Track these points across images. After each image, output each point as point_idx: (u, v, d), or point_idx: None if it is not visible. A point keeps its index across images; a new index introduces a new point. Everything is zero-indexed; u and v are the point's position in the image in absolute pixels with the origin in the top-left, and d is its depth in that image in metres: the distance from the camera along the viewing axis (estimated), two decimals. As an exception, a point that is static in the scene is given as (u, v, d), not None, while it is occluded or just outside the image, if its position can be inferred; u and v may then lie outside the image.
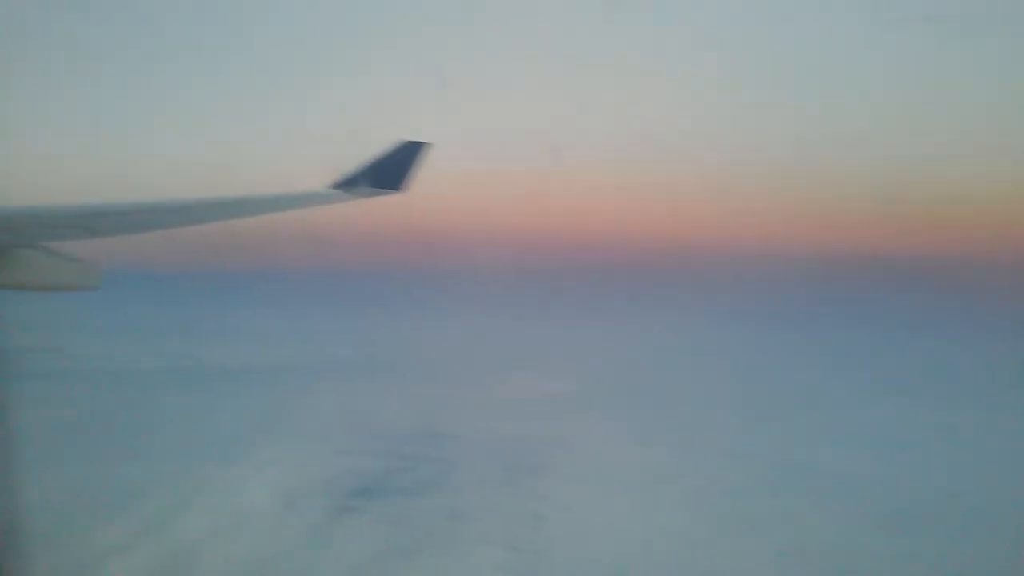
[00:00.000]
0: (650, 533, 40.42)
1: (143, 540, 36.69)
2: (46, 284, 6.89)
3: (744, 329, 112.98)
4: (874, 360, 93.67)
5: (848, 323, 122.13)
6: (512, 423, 60.15)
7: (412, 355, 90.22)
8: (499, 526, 41.13)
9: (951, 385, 77.43)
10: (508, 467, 49.89)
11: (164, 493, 42.24)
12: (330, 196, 11.52)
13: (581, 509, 43.69)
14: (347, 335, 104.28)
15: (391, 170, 12.29)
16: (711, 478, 48.51)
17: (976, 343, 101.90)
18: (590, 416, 63.84)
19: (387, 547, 37.89)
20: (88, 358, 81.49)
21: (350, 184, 11.92)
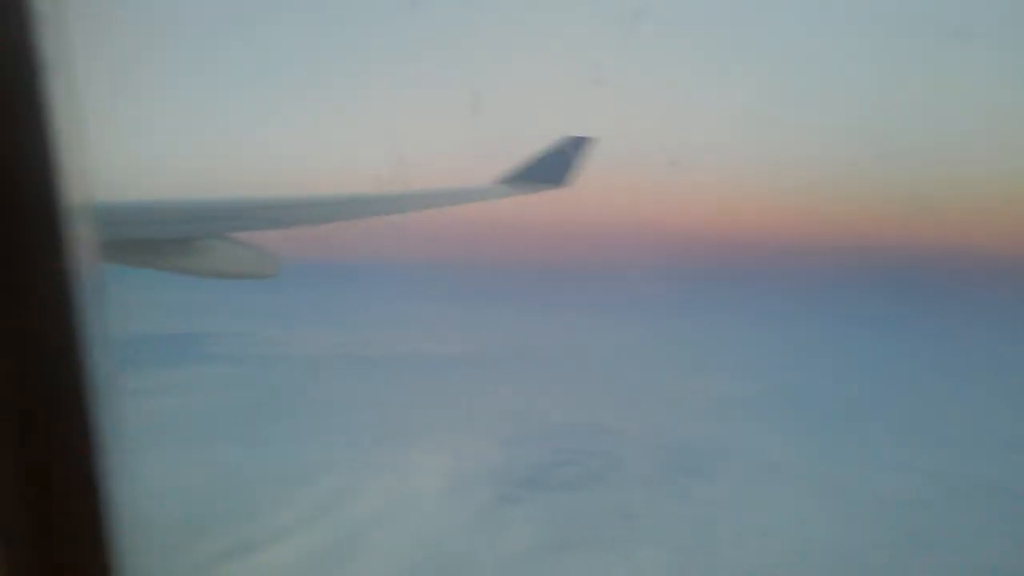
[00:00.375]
0: (819, 543, 39.04)
1: (310, 523, 38.45)
2: (229, 272, 7.29)
3: (897, 329, 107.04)
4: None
5: (986, 322, 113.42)
6: (681, 422, 59.20)
7: (578, 350, 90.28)
8: (663, 526, 40.67)
9: None
10: (676, 467, 49.20)
11: (334, 477, 44.10)
12: (496, 191, 11.71)
13: (749, 514, 42.61)
14: (513, 328, 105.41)
15: (555, 166, 12.37)
16: (888, 488, 46.28)
17: None
18: (761, 418, 62.02)
19: (548, 540, 38.15)
20: (266, 344, 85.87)
21: (515, 180, 12.09)
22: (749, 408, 65.12)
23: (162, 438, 49.34)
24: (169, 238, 6.82)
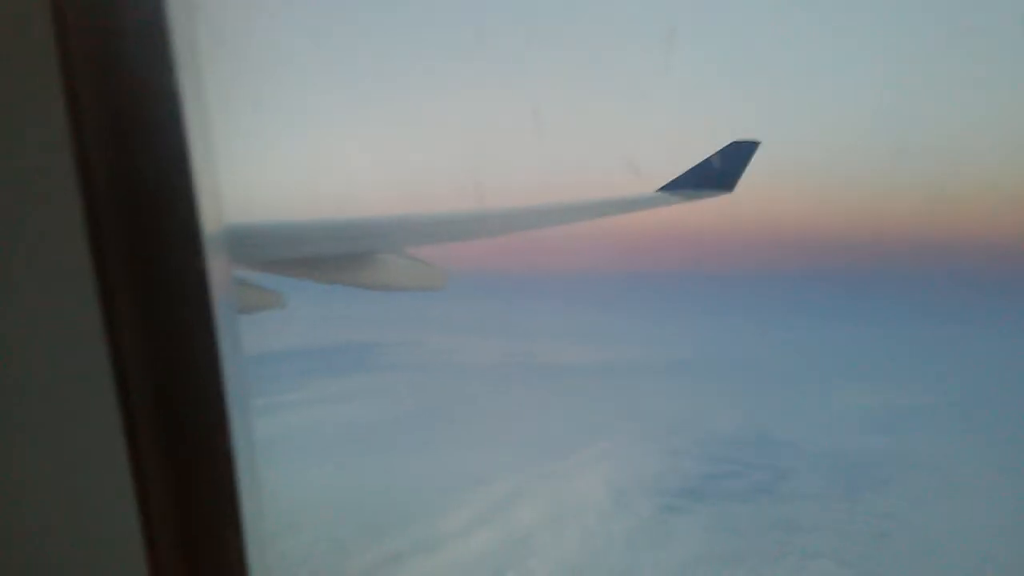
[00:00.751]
0: (995, 561, 36.57)
1: (477, 528, 39.19)
2: (400, 285, 7.58)
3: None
4: None
5: None
6: (852, 433, 56.71)
7: (744, 358, 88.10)
8: (834, 540, 39.14)
9: None
10: (846, 480, 47.15)
11: (501, 484, 44.79)
12: (659, 199, 11.64)
13: (928, 529, 40.38)
14: (677, 336, 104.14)
15: (720, 171, 12.20)
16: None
17: None
18: (940, 429, 58.60)
19: (713, 551, 37.42)
20: (435, 353, 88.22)
21: (679, 186, 11.98)
22: (924, 417, 61.79)
23: (339, 445, 51.74)
24: (343, 254, 7.16)
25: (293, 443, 51.01)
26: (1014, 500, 44.09)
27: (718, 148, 12.41)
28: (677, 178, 12.06)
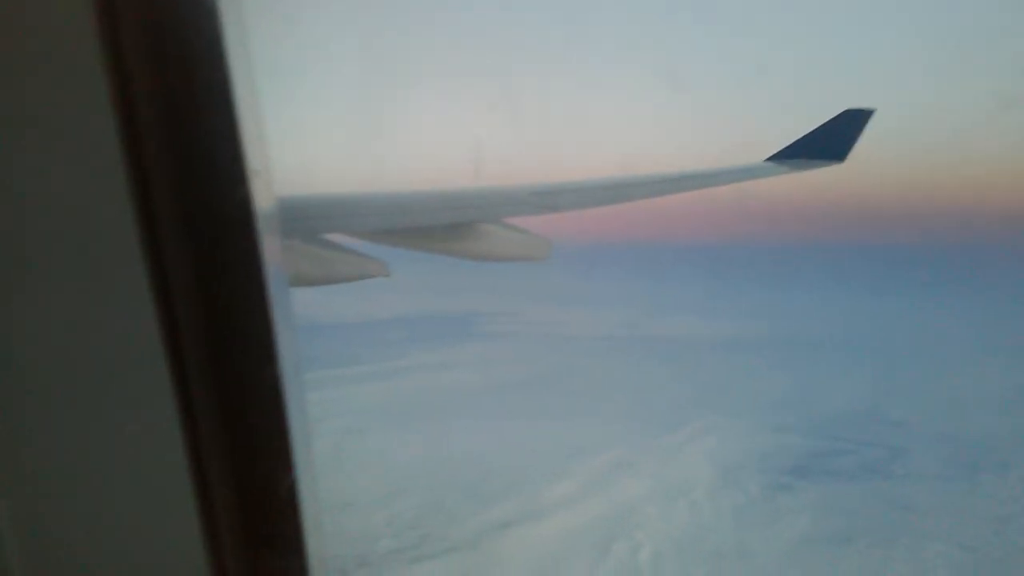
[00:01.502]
0: None
1: (578, 500, 39.39)
2: (503, 255, 7.61)
3: None
4: None
5: None
6: (971, 414, 54.49)
7: (857, 334, 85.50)
8: (951, 523, 37.87)
9: None
10: (965, 462, 45.39)
11: (606, 456, 44.86)
12: (769, 169, 11.37)
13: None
14: (788, 310, 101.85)
15: (832, 140, 11.81)
16: None
17: None
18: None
19: (823, 531, 36.69)
20: (538, 324, 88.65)
21: (789, 155, 11.66)
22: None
23: (443, 411, 52.66)
24: (446, 224, 7.24)
25: (399, 408, 52.24)
26: None
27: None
28: (787, 147, 11.75)
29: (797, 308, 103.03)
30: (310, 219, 6.50)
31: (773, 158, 11.72)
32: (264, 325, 1.61)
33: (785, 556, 34.50)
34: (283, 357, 1.67)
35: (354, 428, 46.92)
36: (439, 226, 7.25)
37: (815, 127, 11.97)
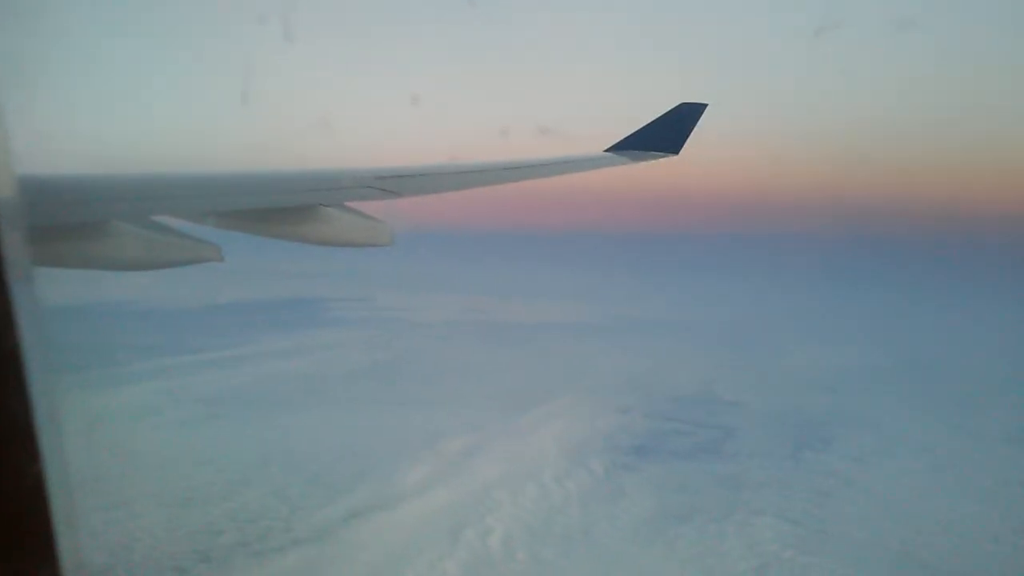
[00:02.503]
0: (932, 518, 37.76)
1: (428, 488, 39.45)
2: (346, 240, 7.48)
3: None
4: None
5: None
6: (797, 395, 57.78)
7: (693, 318, 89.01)
8: (778, 498, 40.03)
9: None
10: (790, 440, 48.14)
11: (453, 442, 45.10)
12: (607, 159, 11.63)
13: (868, 487, 41.49)
14: (626, 296, 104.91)
15: (667, 133, 12.23)
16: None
17: None
18: (881, 390, 59.91)
19: (663, 510, 38.05)
20: (385, 309, 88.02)
21: (626, 147, 11.99)
22: (870, 376, 63.05)
23: (291, 400, 51.50)
24: (284, 207, 7.07)
25: (244, 397, 50.69)
26: (953, 456, 45.54)
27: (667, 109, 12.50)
28: (625, 139, 12.11)
29: (635, 294, 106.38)
30: (138, 200, 6.21)
31: (611, 149, 12.05)
32: (8, 327, 1.51)
33: (629, 536, 35.61)
34: (30, 359, 1.55)
35: (195, 418, 45.77)
36: (278, 209, 7.06)
37: (654, 120, 12.45)
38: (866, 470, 43.87)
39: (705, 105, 12.74)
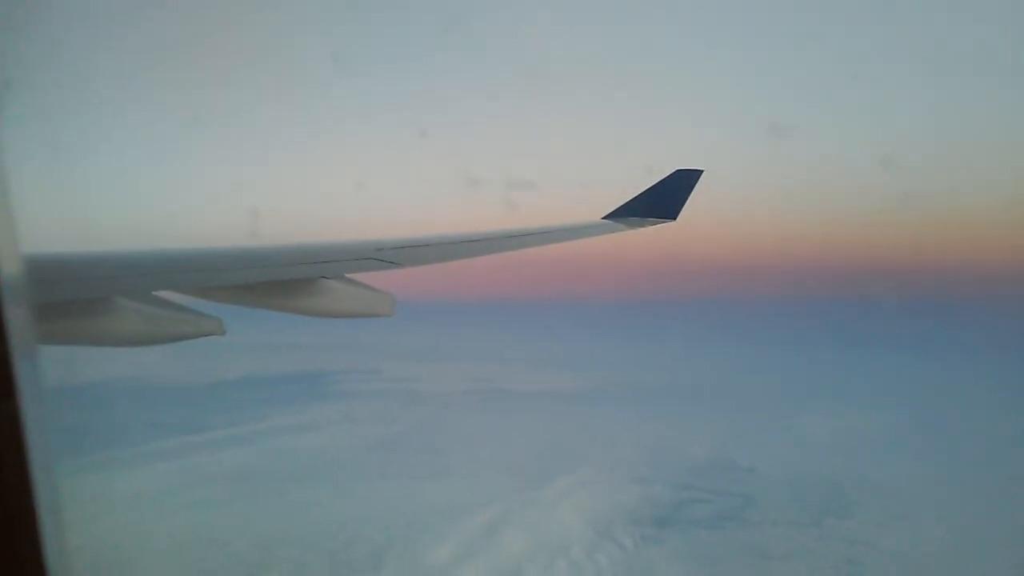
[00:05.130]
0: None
1: (457, 564, 38.86)
2: (348, 312, 7.56)
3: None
4: None
5: None
6: (811, 459, 56.99)
7: (701, 384, 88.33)
8: (806, 567, 39.35)
9: None
10: (811, 506, 47.36)
11: (477, 516, 44.61)
12: (605, 227, 11.79)
13: (896, 553, 40.70)
14: (632, 362, 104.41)
15: (664, 199, 12.41)
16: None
17: None
18: (896, 455, 59.08)
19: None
20: (393, 380, 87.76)
21: (623, 214, 12.16)
22: (885, 440, 62.24)
23: (306, 476, 51.08)
24: (284, 280, 7.18)
25: (258, 475, 50.32)
26: (978, 519, 44.72)
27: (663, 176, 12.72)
28: (622, 206, 12.30)
29: (642, 360, 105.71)
30: (138, 276, 6.34)
31: (609, 216, 12.23)
32: (10, 400, 1.52)
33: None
34: (32, 433, 1.56)
35: (210, 499, 45.22)
36: (278, 282, 7.16)
37: (650, 186, 12.66)
38: (890, 536, 43.06)
39: (701, 171, 12.95)
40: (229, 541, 39.65)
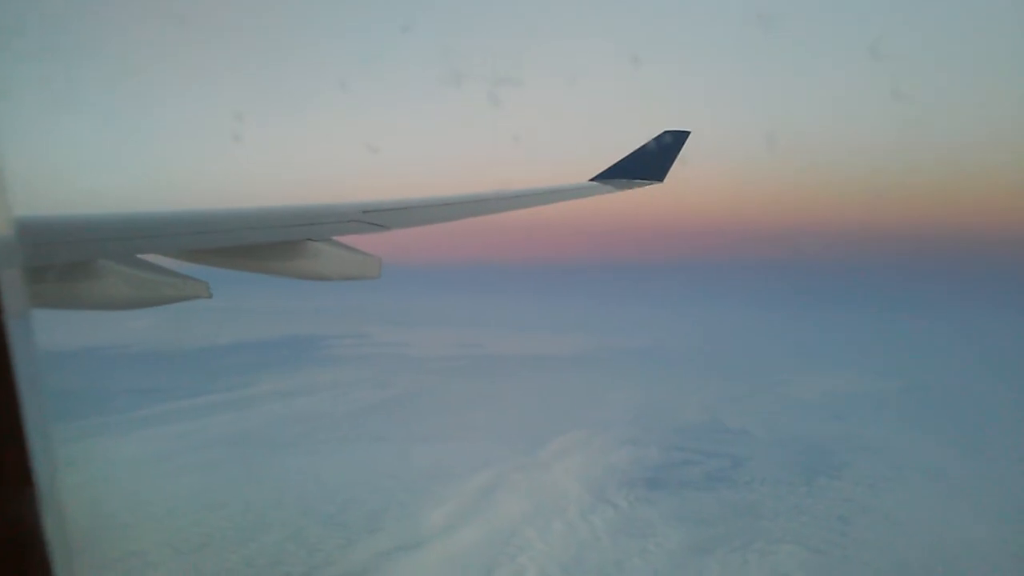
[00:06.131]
0: (948, 539, 37.46)
1: (454, 526, 39.09)
2: (335, 275, 7.53)
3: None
4: None
5: None
6: (802, 420, 57.39)
7: (687, 346, 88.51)
8: (797, 526, 39.68)
9: None
10: (803, 466, 47.68)
11: (473, 479, 44.93)
12: (593, 188, 11.76)
13: (886, 513, 41.11)
14: (621, 325, 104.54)
15: (652, 161, 12.38)
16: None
17: None
18: (887, 414, 59.50)
19: (685, 542, 37.74)
20: (383, 345, 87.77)
21: (611, 176, 12.12)
22: (875, 400, 62.63)
23: (301, 440, 51.19)
24: (272, 242, 7.14)
25: (254, 439, 50.42)
26: (968, 479, 45.20)
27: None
28: (611, 167, 12.26)
29: (628, 323, 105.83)
30: (124, 239, 6.29)
31: (597, 178, 12.21)
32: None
33: (661, 570, 35.35)
34: (24, 391, 1.56)
35: (204, 463, 45.47)
36: (264, 244, 7.12)
37: (637, 148, 12.61)
38: (882, 496, 43.42)
39: (688, 132, 12.93)
40: (224, 504, 39.84)
